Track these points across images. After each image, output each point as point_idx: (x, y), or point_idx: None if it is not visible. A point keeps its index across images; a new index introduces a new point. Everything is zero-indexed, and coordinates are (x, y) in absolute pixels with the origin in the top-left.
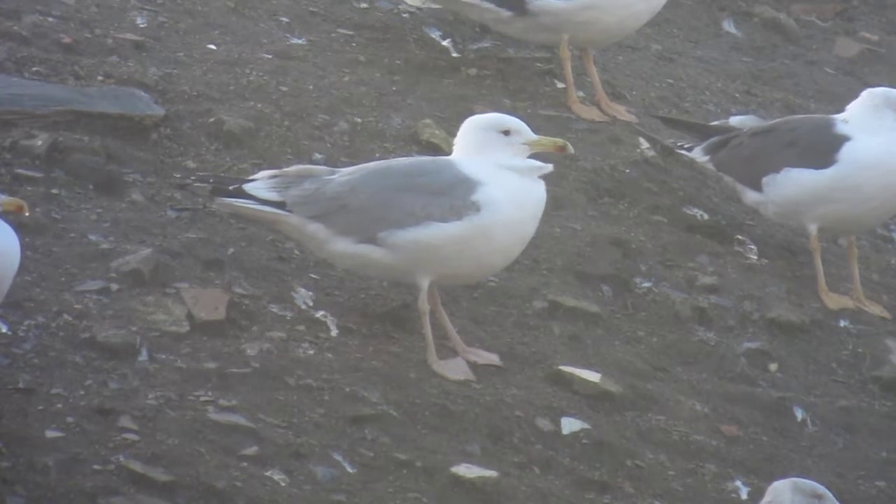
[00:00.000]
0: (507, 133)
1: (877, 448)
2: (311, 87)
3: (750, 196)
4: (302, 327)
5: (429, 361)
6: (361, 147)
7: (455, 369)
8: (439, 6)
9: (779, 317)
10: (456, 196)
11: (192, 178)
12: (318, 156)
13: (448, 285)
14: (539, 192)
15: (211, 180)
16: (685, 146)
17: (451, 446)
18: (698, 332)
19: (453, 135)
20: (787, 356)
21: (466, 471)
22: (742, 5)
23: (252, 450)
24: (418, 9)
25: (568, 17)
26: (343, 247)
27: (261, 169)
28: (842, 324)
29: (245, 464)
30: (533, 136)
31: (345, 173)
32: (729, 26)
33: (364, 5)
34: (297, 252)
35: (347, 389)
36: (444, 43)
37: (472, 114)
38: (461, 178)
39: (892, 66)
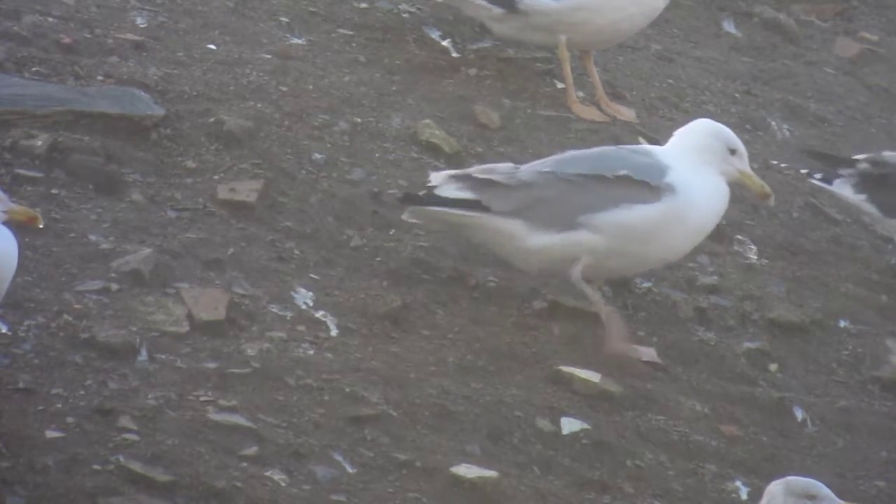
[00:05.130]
0: (732, 152)
1: (877, 448)
2: (311, 87)
3: None
4: (302, 327)
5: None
6: (361, 147)
7: (647, 353)
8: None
9: (779, 317)
10: (653, 177)
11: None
12: (318, 156)
13: (625, 275)
14: (727, 191)
15: (401, 193)
16: (817, 176)
17: (451, 446)
18: (698, 332)
19: (453, 135)
20: (787, 356)
21: (466, 471)
22: (742, 5)
23: (252, 450)
24: (418, 8)
25: (559, 18)
26: (542, 240)
27: (261, 169)
28: (842, 324)
29: (245, 464)
30: (749, 169)
31: (534, 165)
32: (729, 26)
33: (364, 5)
34: (297, 252)
35: (347, 389)
36: (444, 43)
37: (473, 114)
38: (654, 161)
39: (892, 66)
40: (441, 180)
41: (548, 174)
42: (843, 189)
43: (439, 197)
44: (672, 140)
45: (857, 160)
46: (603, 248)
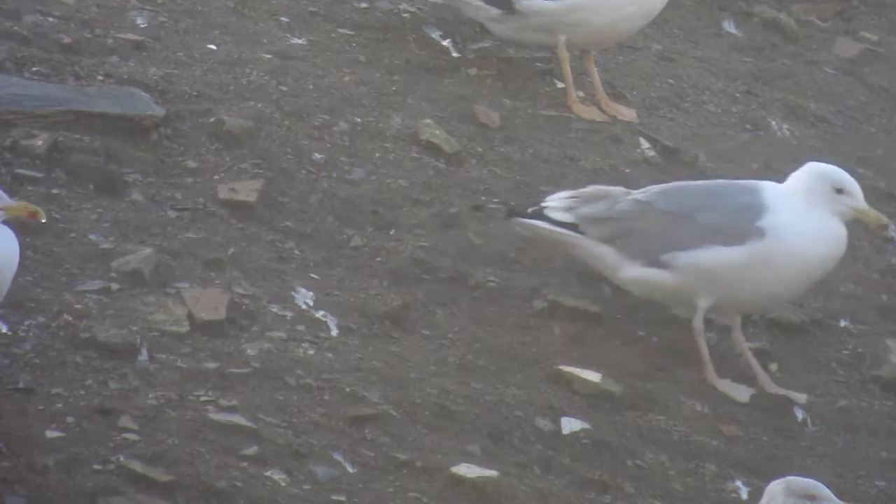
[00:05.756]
0: (839, 191)
1: (877, 448)
2: (311, 87)
3: None
4: (302, 327)
5: (708, 379)
6: (361, 147)
7: (740, 391)
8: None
9: (779, 317)
10: (741, 220)
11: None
12: (318, 156)
13: (733, 312)
14: (840, 234)
15: (512, 203)
16: None
17: (451, 446)
18: None
19: (453, 135)
20: (787, 356)
21: (466, 471)
22: (742, 5)
23: (252, 450)
24: (418, 8)
25: (557, 18)
26: (631, 272)
27: (261, 169)
28: (842, 324)
29: (245, 464)
30: (863, 204)
31: (636, 194)
32: (729, 26)
33: (364, 5)
34: (297, 252)
35: (347, 389)
36: (444, 43)
37: (473, 114)
38: (752, 202)
39: (892, 66)
40: (557, 197)
41: (643, 204)
42: None
43: (542, 215)
44: (788, 180)
45: None
46: (687, 287)
